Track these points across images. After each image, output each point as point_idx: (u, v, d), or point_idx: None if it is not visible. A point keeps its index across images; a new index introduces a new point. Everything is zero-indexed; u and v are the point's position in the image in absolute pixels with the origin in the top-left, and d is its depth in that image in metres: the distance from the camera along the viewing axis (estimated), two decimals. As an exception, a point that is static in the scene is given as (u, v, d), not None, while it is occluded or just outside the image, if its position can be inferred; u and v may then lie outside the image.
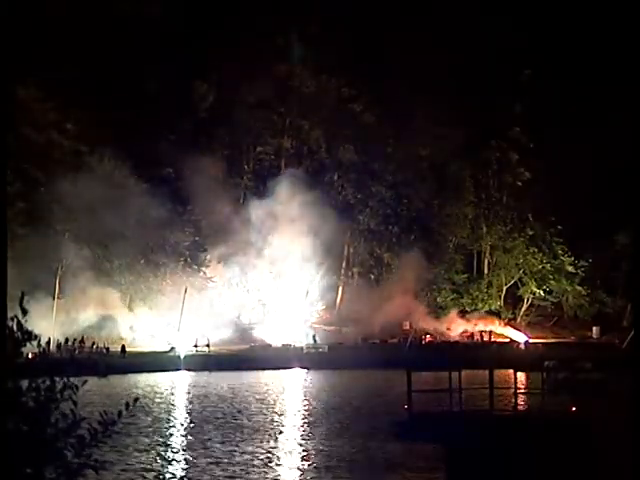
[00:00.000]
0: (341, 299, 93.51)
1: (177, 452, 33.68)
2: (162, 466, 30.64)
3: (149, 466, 30.34)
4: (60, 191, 76.16)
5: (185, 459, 32.12)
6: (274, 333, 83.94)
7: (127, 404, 7.05)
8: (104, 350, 73.67)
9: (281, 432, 38.65)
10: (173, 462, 31.53)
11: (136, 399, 7.28)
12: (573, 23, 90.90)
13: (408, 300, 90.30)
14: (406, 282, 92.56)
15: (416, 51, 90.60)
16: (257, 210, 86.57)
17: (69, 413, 6.74)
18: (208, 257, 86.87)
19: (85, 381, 7.07)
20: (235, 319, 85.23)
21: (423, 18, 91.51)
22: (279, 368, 70.47)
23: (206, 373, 67.99)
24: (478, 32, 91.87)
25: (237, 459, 31.94)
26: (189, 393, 57.03)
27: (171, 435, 37.76)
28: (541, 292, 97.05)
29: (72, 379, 6.95)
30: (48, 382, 6.80)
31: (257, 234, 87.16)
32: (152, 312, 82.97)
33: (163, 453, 33.06)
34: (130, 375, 64.27)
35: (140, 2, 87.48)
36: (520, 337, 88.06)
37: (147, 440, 35.33)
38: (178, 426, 40.78)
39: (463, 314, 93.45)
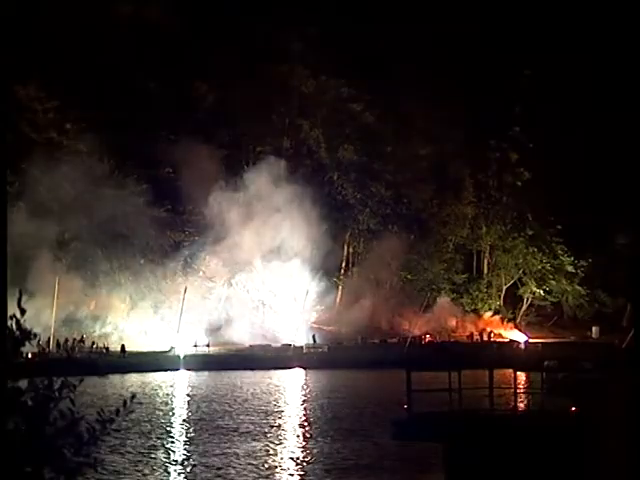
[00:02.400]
0: (341, 299, 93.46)
1: (145, 454, 33.14)
2: (124, 467, 30.22)
3: (111, 467, 30.12)
4: (59, 190, 76.23)
5: (149, 461, 31.64)
6: (247, 333, 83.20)
7: (125, 402, 7.04)
8: (104, 350, 73.71)
9: (266, 433, 38.03)
10: (137, 463, 31.03)
11: (133, 396, 7.27)
12: (573, 23, 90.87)
13: (406, 300, 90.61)
14: (405, 282, 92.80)
15: (416, 51, 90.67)
16: (257, 210, 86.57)
17: (68, 412, 6.74)
18: (207, 257, 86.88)
19: (81, 380, 7.06)
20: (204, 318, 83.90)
21: (423, 18, 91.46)
22: (279, 368, 70.47)
23: (205, 373, 68.05)
24: (478, 32, 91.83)
25: (206, 461, 31.73)
26: (181, 393, 56.83)
27: (147, 436, 37.08)
28: (541, 292, 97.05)
29: (72, 379, 6.95)
30: (47, 381, 6.80)
31: (257, 234, 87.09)
32: (151, 312, 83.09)
33: (130, 454, 32.50)
34: (129, 375, 64.27)
35: (140, 2, 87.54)
36: (520, 337, 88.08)
37: (122, 441, 34.73)
38: (159, 427, 40.05)
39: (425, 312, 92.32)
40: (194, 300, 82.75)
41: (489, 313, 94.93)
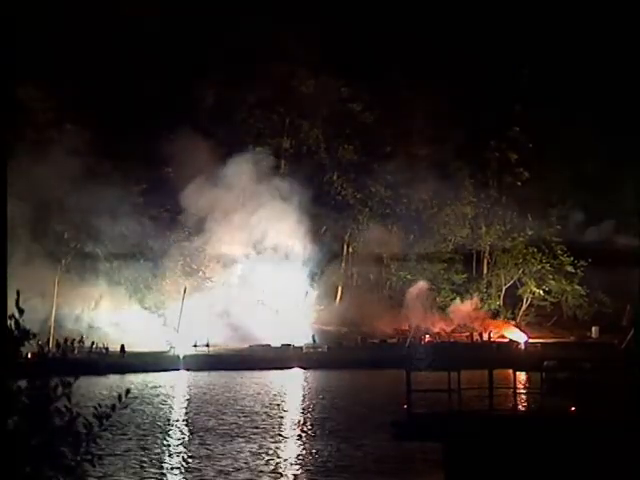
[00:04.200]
0: (340, 299, 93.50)
1: (111, 455, 32.53)
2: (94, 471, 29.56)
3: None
4: (58, 190, 76.29)
5: (124, 463, 31.08)
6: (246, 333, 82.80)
7: (119, 397, 7.07)
8: (103, 350, 73.72)
9: (252, 434, 37.59)
10: (111, 466, 30.41)
11: (127, 391, 7.29)
12: (573, 22, 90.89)
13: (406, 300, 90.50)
14: (405, 282, 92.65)
15: (416, 51, 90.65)
16: (257, 210, 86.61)
17: (66, 411, 6.75)
18: (207, 257, 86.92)
19: (76, 377, 7.08)
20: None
21: (423, 18, 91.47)
22: (278, 368, 70.45)
23: (205, 373, 67.98)
24: (478, 32, 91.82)
25: (183, 462, 31.56)
26: (176, 394, 56.51)
27: (130, 438, 36.39)
28: (540, 292, 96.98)
29: (71, 379, 6.95)
30: (46, 381, 6.81)
31: (257, 234, 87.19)
32: (151, 311, 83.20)
33: (107, 457, 31.79)
34: (129, 375, 64.25)
35: (140, 2, 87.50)
36: (520, 337, 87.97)
37: (103, 444, 33.54)
38: (145, 429, 39.42)
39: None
40: (194, 300, 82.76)
41: (460, 304, 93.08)
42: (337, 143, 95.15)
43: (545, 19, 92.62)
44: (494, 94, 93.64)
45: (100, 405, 6.74)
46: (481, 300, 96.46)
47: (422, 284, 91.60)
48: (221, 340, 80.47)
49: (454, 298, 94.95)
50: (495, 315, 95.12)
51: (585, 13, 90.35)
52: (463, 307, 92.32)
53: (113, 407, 6.90)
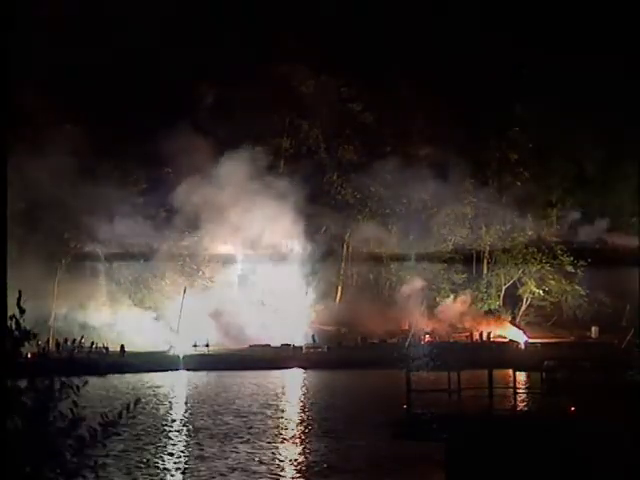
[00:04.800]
0: (340, 299, 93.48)
1: (106, 455, 32.09)
2: None
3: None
4: (57, 190, 76.30)
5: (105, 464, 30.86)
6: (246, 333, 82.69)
7: (128, 405, 7.04)
8: (103, 350, 73.73)
9: (243, 435, 37.41)
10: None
11: (137, 400, 7.28)
12: (573, 21, 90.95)
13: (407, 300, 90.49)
14: (405, 282, 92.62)
15: (416, 51, 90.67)
16: (256, 210, 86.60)
17: (68, 413, 6.72)
18: (207, 257, 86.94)
19: (86, 382, 7.06)
20: None
21: (422, 17, 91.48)
22: (278, 368, 70.45)
23: (204, 373, 68.03)
24: (478, 31, 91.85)
25: (166, 462, 31.48)
26: (172, 394, 56.42)
27: (116, 438, 35.79)
28: (540, 292, 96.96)
29: (72, 379, 6.93)
30: (47, 382, 6.79)
31: (255, 234, 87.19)
32: (151, 312, 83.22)
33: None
34: (128, 375, 64.25)
35: (140, 1, 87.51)
36: (518, 335, 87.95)
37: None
38: (134, 429, 39.06)
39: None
40: (193, 300, 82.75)
41: (452, 303, 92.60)
42: (337, 143, 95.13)
43: (545, 18, 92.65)
44: (494, 94, 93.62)
45: (106, 415, 6.71)
46: (481, 300, 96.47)
47: (417, 283, 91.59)
48: (221, 340, 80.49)
49: (449, 297, 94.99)
50: (489, 313, 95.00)
51: (585, 12, 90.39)
52: (455, 306, 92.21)
53: (120, 415, 6.87)
